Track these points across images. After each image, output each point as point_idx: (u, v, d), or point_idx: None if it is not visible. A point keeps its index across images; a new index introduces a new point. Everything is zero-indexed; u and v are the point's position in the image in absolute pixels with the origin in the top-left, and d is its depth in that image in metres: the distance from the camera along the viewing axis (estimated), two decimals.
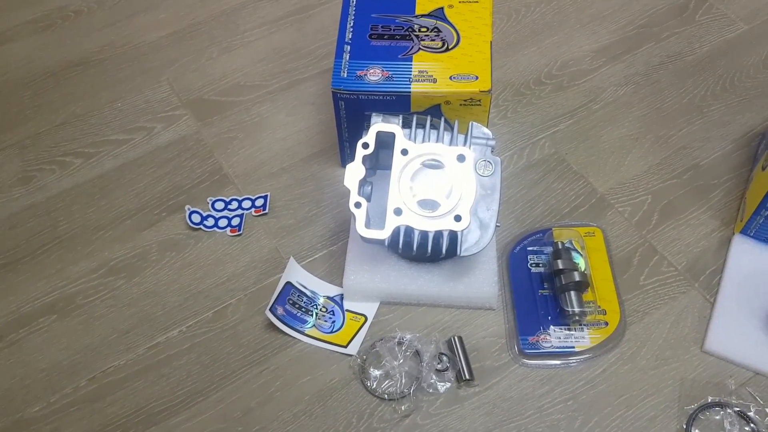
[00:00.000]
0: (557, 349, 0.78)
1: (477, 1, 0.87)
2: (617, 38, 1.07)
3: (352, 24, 0.86)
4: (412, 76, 0.81)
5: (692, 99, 1.00)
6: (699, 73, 1.02)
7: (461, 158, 0.76)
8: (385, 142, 0.77)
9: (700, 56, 1.04)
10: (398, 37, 0.84)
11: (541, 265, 0.84)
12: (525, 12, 1.10)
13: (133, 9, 1.13)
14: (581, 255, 0.83)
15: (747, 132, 0.96)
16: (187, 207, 0.90)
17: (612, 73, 1.03)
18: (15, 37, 1.10)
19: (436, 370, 0.77)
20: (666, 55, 1.04)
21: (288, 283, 0.82)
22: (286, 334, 0.80)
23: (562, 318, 0.79)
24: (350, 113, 0.84)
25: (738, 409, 0.73)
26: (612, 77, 1.02)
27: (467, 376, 0.76)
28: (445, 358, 0.77)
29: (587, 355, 0.78)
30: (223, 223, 0.89)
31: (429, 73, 0.81)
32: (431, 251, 0.76)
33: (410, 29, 0.85)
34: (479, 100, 0.81)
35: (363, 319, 0.81)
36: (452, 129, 0.79)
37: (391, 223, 0.74)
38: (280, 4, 1.13)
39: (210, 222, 0.89)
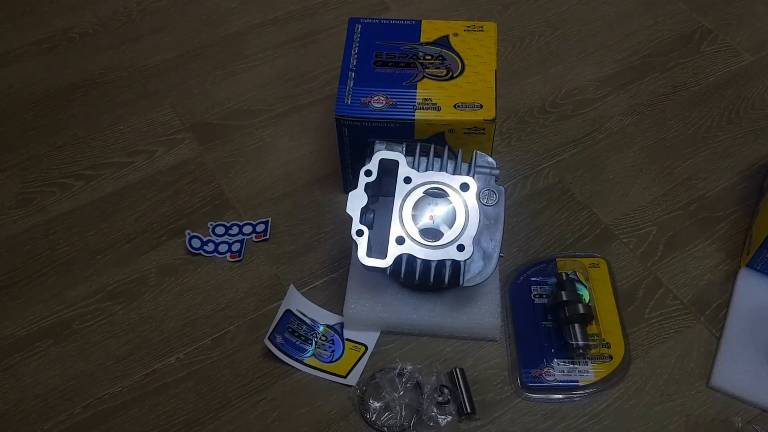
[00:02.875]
0: (561, 383, 0.76)
1: (482, 30, 0.87)
2: (622, 68, 1.07)
3: (356, 51, 0.85)
4: (416, 103, 0.80)
5: (697, 130, 0.99)
6: (704, 104, 1.02)
7: (465, 187, 0.75)
8: (388, 169, 0.76)
9: (706, 87, 1.04)
10: (403, 65, 0.84)
11: (544, 296, 0.83)
12: (530, 40, 1.10)
13: (138, 32, 1.13)
14: (585, 286, 0.82)
15: (753, 164, 0.95)
16: (187, 232, 0.89)
17: (617, 103, 1.02)
18: (19, 58, 1.10)
19: (437, 402, 0.75)
20: (671, 86, 1.04)
21: (288, 311, 0.81)
22: (285, 363, 0.78)
23: (566, 351, 0.78)
24: (353, 140, 0.83)
25: None
26: (617, 107, 1.02)
27: (469, 410, 0.74)
28: (446, 390, 0.76)
29: (591, 390, 0.76)
30: (223, 248, 0.88)
31: (433, 101, 0.81)
32: (433, 281, 0.75)
33: (415, 57, 0.85)
34: (483, 129, 0.80)
35: (363, 348, 0.80)
36: (456, 157, 0.78)
37: (393, 251, 0.73)
38: (284, 30, 1.13)
39: (210, 247, 0.88)
